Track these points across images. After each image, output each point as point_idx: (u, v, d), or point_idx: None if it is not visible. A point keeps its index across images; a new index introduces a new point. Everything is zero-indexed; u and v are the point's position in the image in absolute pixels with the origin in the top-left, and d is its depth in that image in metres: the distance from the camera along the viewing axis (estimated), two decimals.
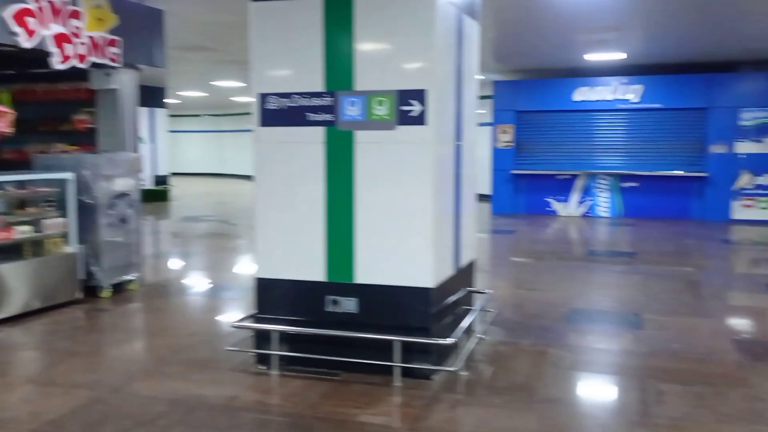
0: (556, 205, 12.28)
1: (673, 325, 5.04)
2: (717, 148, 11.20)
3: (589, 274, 7.24)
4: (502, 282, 6.67)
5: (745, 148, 11.07)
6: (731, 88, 11.10)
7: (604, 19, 7.51)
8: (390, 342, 3.72)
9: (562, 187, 12.21)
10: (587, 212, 12.09)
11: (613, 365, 4.26)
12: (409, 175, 3.73)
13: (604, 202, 12.00)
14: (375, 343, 3.78)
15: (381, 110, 3.71)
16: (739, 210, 11.16)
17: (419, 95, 3.65)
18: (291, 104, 3.85)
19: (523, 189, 12.39)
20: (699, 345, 4.54)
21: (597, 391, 3.91)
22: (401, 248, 3.78)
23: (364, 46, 3.73)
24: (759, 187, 11.06)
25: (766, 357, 4.29)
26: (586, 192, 12.08)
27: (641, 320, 5.13)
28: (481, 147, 13.34)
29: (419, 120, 3.66)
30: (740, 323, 5.40)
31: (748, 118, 11.01)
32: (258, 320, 4.08)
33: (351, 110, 3.77)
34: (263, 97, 3.92)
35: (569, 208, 12.20)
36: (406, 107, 3.67)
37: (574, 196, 12.15)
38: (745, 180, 11.11)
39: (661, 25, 8.06)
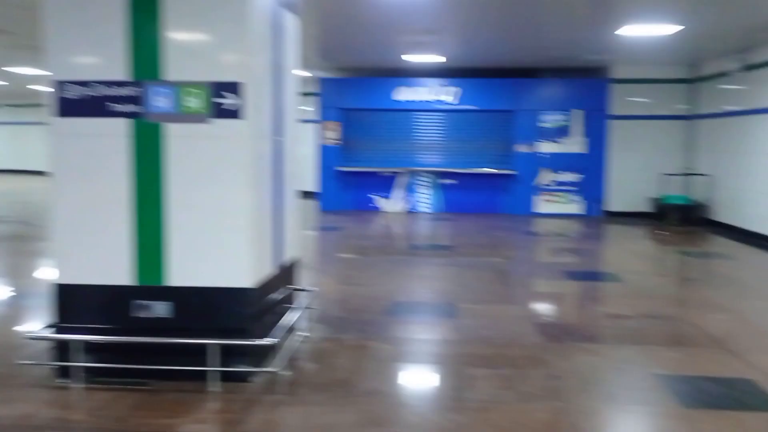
0: (381, 202, 12.64)
1: (484, 312, 5.38)
2: (522, 148, 12.19)
3: (410, 268, 7.51)
4: (328, 278, 6.71)
5: (545, 147, 12.16)
6: (533, 93, 12.13)
7: (421, 22, 7.82)
8: (205, 346, 3.57)
9: (386, 184, 12.59)
10: (410, 208, 12.57)
11: (429, 354, 4.44)
12: (225, 170, 3.60)
13: (425, 198, 12.55)
14: (190, 348, 3.61)
15: (193, 102, 3.54)
16: (541, 204, 12.25)
17: (234, 88, 3.52)
18: (92, 93, 3.54)
19: (350, 186, 12.59)
20: (506, 330, 4.88)
21: (414, 380, 4.05)
22: (217, 248, 3.64)
23: (174, 34, 3.53)
24: (558, 183, 12.19)
25: (562, 338, 4.71)
26: (409, 189, 12.56)
27: (456, 309, 5.41)
28: (307, 144, 13.36)
29: (235, 113, 3.54)
30: (541, 308, 5.89)
31: (548, 120, 12.11)
32: (59, 330, 3.71)
33: (160, 101, 3.55)
34: (60, 85, 3.57)
35: (393, 204, 12.60)
36: (221, 100, 3.53)
37: (397, 193, 12.58)
38: (545, 177, 12.22)
39: (474, 32, 8.58)
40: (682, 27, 7.78)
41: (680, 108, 11.69)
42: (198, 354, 3.58)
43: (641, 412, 3.51)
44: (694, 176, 11.20)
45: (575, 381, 3.85)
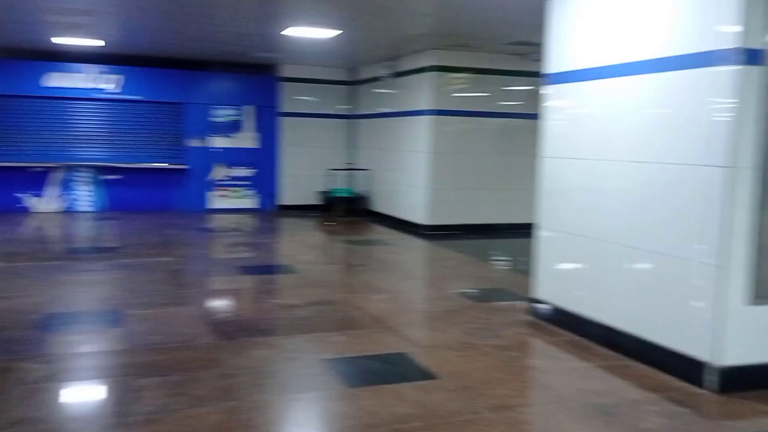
0: (30, 201, 11.09)
1: (153, 317, 5.04)
2: (194, 142, 11.87)
3: (67, 275, 6.72)
4: None
5: (218, 142, 12.03)
6: (204, 86, 11.88)
7: (72, 1, 7.01)
8: None
9: (36, 181, 11.09)
10: (67, 207, 11.29)
11: (90, 369, 3.98)
12: None
13: (85, 196, 11.37)
14: None
15: None
16: (215, 200, 12.10)
17: None
18: None
19: None
20: (177, 333, 4.64)
21: (72, 401, 3.58)
22: None
23: None
24: (233, 178, 12.17)
25: (235, 334, 4.66)
26: (65, 186, 11.26)
27: (122, 316, 4.98)
28: None
29: None
30: (215, 306, 5.77)
31: (220, 114, 12.00)
32: None
33: None
34: None
35: (45, 203, 11.17)
36: None
37: (51, 191, 11.18)
38: (219, 172, 12.10)
39: (134, 17, 7.99)
40: (340, 32, 8.35)
41: (343, 108, 12.61)
42: None
43: (310, 398, 3.63)
44: (356, 171, 12.19)
45: (248, 377, 3.82)
